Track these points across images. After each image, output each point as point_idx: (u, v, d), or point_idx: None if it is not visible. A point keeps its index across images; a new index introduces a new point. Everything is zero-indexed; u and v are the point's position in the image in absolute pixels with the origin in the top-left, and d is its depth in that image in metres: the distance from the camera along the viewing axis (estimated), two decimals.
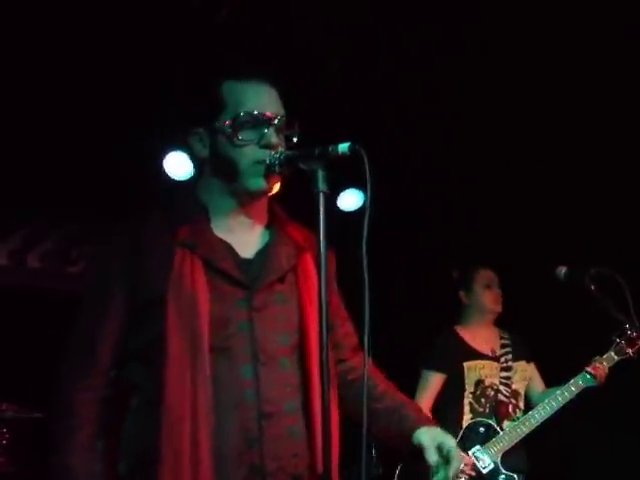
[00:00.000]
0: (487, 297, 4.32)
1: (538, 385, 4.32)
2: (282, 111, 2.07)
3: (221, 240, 2.03)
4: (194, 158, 2.17)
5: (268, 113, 2.02)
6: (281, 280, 2.05)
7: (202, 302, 1.92)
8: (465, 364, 4.17)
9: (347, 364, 2.23)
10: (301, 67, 4.11)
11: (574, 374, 3.96)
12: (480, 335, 4.31)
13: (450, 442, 2.05)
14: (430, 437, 2.06)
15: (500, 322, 4.40)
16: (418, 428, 2.09)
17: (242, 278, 1.99)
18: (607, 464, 4.78)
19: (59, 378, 2.01)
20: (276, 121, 2.02)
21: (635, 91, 4.19)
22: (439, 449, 2.04)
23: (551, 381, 4.23)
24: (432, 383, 4.19)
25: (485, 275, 4.37)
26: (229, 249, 2.03)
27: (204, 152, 2.09)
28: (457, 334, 4.30)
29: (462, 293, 4.39)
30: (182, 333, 1.90)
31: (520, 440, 3.98)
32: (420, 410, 2.25)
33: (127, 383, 2.02)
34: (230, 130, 2.01)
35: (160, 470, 1.83)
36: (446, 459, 2.02)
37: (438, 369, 4.20)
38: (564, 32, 3.96)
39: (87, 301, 2.07)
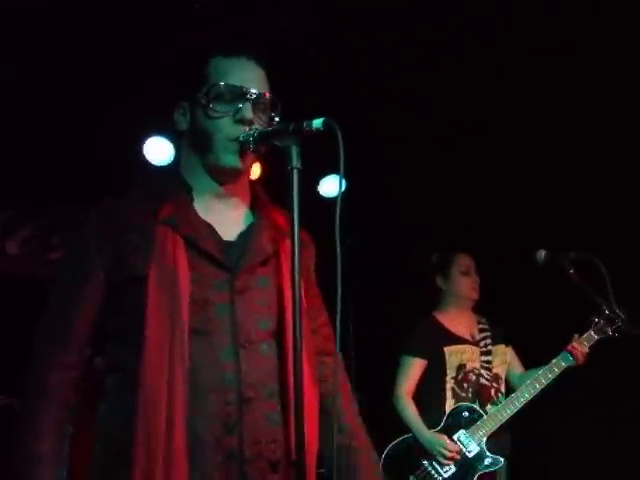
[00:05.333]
0: (463, 283, 4.32)
1: (517, 368, 4.32)
2: (265, 89, 2.04)
3: (204, 221, 2.00)
4: (175, 135, 2.14)
5: (246, 87, 1.99)
6: (264, 263, 2.02)
7: (183, 282, 1.89)
8: (446, 349, 4.15)
9: (318, 367, 2.16)
10: (279, 53, 4.09)
11: (554, 356, 3.97)
12: (458, 320, 4.30)
13: None
14: None
15: (477, 307, 4.39)
16: None
17: (224, 260, 1.96)
18: (589, 448, 4.79)
19: (32, 355, 1.96)
20: (254, 96, 1.99)
21: (613, 85, 4.21)
22: None
23: (531, 364, 4.24)
24: (413, 368, 4.18)
25: (463, 261, 4.35)
26: (211, 230, 2.00)
27: (184, 125, 2.07)
28: (436, 320, 4.30)
29: (439, 278, 4.39)
30: (162, 313, 1.86)
31: (504, 423, 4.01)
32: (373, 463, 2.22)
33: (104, 364, 1.99)
34: (205, 100, 1.99)
35: (134, 453, 1.80)
36: None
37: (418, 354, 4.19)
38: (552, 26, 3.96)
39: (63, 278, 2.01)
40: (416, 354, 4.19)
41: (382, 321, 5.17)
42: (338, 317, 1.81)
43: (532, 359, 4.24)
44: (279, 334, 1.99)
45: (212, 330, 1.91)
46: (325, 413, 2.02)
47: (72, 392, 1.94)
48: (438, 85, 4.51)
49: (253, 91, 1.99)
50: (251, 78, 2.02)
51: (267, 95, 2.04)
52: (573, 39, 4.02)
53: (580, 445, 4.82)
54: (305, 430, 1.80)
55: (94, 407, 1.98)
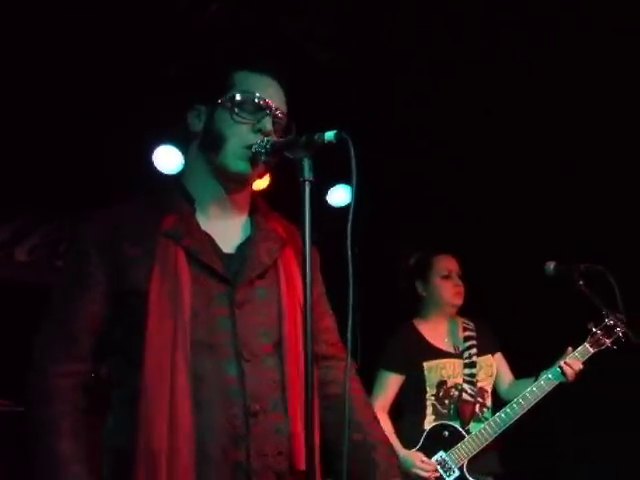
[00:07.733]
0: (445, 289, 3.95)
1: (505, 377, 3.99)
2: (285, 110, 2.10)
3: (205, 233, 2.02)
4: (185, 136, 2.16)
5: (270, 102, 2.04)
6: (261, 276, 2.03)
7: (185, 295, 1.90)
8: (425, 364, 3.84)
9: (326, 370, 2.18)
10: (291, 60, 4.10)
11: (547, 364, 3.70)
12: (441, 329, 3.99)
13: None
14: None
15: (466, 311, 4.05)
16: None
17: (225, 273, 1.98)
18: (587, 465, 4.67)
19: (33, 365, 1.95)
20: (276, 112, 2.05)
21: (622, 89, 4.19)
22: None
23: (525, 372, 3.95)
24: (389, 384, 3.89)
25: (443, 264, 4.00)
26: (212, 243, 2.02)
27: (198, 127, 2.10)
28: (416, 330, 3.97)
29: (418, 284, 4.04)
30: (163, 326, 1.87)
31: (491, 442, 3.69)
32: (390, 457, 2.17)
33: (109, 378, 1.99)
34: (230, 104, 2.03)
35: (136, 468, 1.80)
36: None
37: (395, 370, 3.89)
38: (558, 30, 3.96)
39: (63, 286, 2.00)
40: (393, 369, 3.90)
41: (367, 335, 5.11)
42: (349, 328, 1.81)
43: (526, 367, 3.95)
44: (280, 345, 2.00)
45: (215, 343, 1.92)
46: (335, 412, 2.07)
47: (80, 396, 1.93)
48: (443, 89, 4.49)
49: (276, 107, 2.05)
50: (274, 96, 2.08)
51: (285, 116, 2.09)
52: (590, 50, 4.02)
53: (577, 462, 4.70)
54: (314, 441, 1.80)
55: (101, 420, 1.97)
